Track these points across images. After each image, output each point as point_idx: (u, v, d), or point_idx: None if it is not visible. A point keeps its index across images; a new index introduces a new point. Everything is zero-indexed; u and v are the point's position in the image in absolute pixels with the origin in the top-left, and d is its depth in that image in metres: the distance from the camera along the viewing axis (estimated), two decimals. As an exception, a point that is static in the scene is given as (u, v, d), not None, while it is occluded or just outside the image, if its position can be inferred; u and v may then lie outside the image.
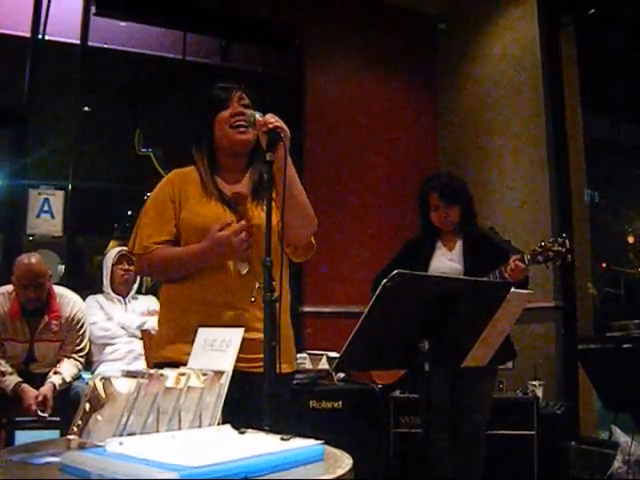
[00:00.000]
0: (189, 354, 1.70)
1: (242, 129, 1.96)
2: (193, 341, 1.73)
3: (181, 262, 1.91)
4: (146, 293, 4.00)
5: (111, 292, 3.77)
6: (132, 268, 3.74)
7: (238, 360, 1.36)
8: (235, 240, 1.82)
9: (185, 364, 1.47)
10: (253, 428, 1.27)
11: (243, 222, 1.85)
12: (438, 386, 2.89)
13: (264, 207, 1.95)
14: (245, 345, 1.41)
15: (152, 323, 3.61)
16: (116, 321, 3.68)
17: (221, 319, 1.82)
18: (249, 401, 1.50)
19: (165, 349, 1.91)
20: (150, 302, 3.83)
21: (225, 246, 1.83)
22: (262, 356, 1.54)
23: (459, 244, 3.09)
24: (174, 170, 2.09)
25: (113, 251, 3.83)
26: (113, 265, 3.77)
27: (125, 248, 3.81)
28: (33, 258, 3.33)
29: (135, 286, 3.83)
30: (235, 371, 1.33)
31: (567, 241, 2.75)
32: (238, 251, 1.84)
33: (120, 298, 3.77)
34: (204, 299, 1.89)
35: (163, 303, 2.03)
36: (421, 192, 3.17)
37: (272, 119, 1.81)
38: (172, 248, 1.94)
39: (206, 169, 2.00)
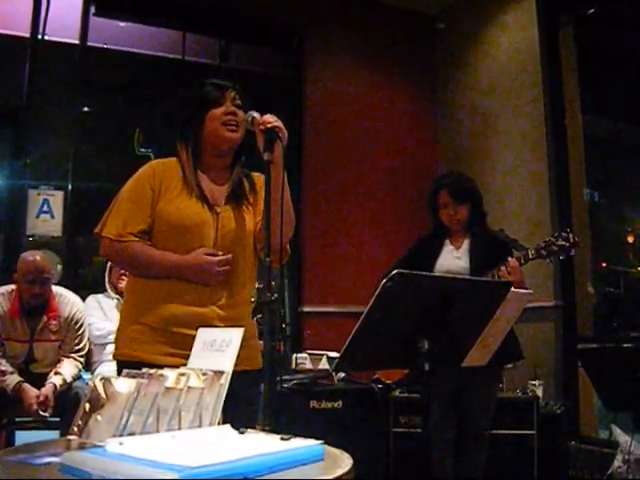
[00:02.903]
0: (156, 353, 1.73)
1: (233, 127, 1.96)
2: (159, 340, 1.80)
3: (154, 266, 1.90)
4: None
5: (111, 292, 3.78)
6: None
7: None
8: (216, 270, 1.87)
9: (152, 363, 1.47)
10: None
11: (229, 256, 1.89)
12: (443, 385, 2.90)
13: (240, 211, 1.97)
14: None
15: None
16: (115, 320, 3.69)
17: (188, 319, 1.83)
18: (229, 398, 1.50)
19: (129, 347, 1.88)
20: None
21: (205, 272, 1.87)
22: None
23: (466, 243, 3.09)
24: (156, 160, 2.08)
25: None
26: (111, 266, 3.78)
27: None
28: (37, 255, 3.36)
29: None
30: None
31: (571, 235, 2.76)
32: (214, 281, 1.88)
33: (120, 298, 3.78)
34: (171, 298, 1.88)
35: (128, 297, 2.01)
36: (431, 190, 3.17)
37: (270, 119, 1.82)
38: (149, 248, 1.92)
39: (189, 166, 1.98)
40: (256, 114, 1.88)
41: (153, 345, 1.84)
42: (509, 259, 2.82)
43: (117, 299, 3.77)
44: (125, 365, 1.56)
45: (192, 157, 1.99)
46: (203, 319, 1.82)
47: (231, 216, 1.96)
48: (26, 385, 3.21)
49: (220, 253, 1.89)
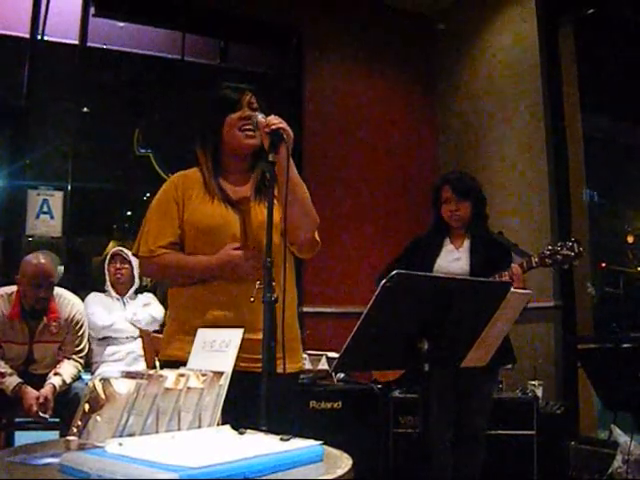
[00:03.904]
0: None
1: (250, 133, 1.96)
2: None
3: (187, 271, 1.94)
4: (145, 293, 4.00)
5: (112, 291, 3.78)
6: (125, 267, 3.78)
7: (244, 360, 1.36)
8: (244, 265, 1.87)
9: None
10: (259, 428, 1.26)
11: (255, 250, 1.88)
12: (441, 386, 2.90)
13: (266, 206, 1.96)
14: (250, 345, 1.41)
15: (145, 314, 3.65)
16: (115, 315, 3.70)
17: (228, 320, 1.83)
18: (256, 400, 1.50)
19: (170, 347, 1.93)
20: (147, 298, 3.86)
21: (233, 267, 1.87)
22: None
23: (467, 243, 3.08)
24: (178, 172, 2.09)
25: (110, 251, 3.88)
26: (108, 264, 3.79)
27: (120, 248, 3.84)
28: (43, 258, 3.32)
29: (134, 287, 3.84)
30: (241, 371, 1.33)
31: (576, 245, 2.74)
32: (245, 275, 1.87)
33: (119, 297, 3.79)
34: (210, 299, 1.90)
35: (171, 303, 2.05)
36: (435, 185, 3.18)
37: (275, 120, 1.83)
38: (179, 255, 1.96)
39: (210, 170, 2.00)
40: (261, 116, 1.89)
41: (190, 344, 1.84)
42: (512, 266, 2.81)
43: (117, 299, 3.78)
44: (166, 365, 1.58)
45: (212, 162, 2.01)
46: (244, 320, 1.80)
47: (257, 213, 1.96)
48: (26, 386, 3.20)
49: (251, 247, 1.89)
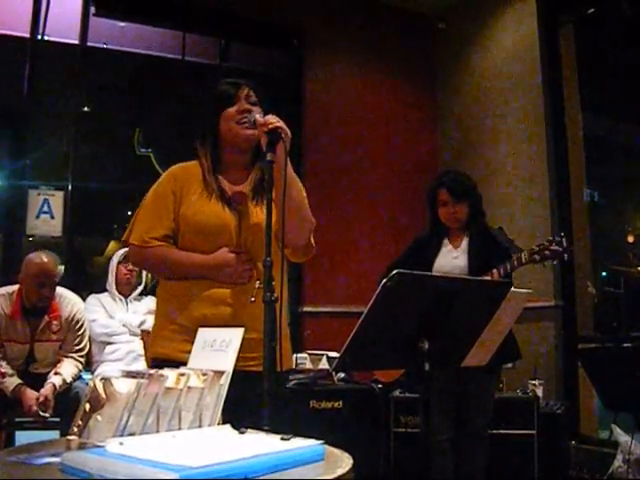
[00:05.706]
0: (185, 352, 1.71)
1: (247, 125, 1.96)
2: (189, 339, 1.75)
3: (179, 267, 1.93)
4: (147, 295, 4.00)
5: (115, 291, 3.77)
6: (136, 268, 3.75)
7: (237, 359, 1.36)
8: (239, 269, 1.87)
9: (181, 361, 1.47)
10: (252, 427, 1.26)
11: (249, 255, 1.89)
12: (441, 385, 2.90)
13: (263, 207, 1.96)
14: (244, 344, 1.41)
15: (152, 322, 3.63)
16: (117, 319, 3.69)
17: (218, 318, 1.83)
18: (248, 400, 1.51)
19: (161, 345, 1.92)
20: (151, 302, 3.84)
21: (228, 270, 1.87)
22: (260, 355, 1.55)
23: (465, 242, 3.09)
24: (178, 164, 2.08)
25: (120, 250, 3.84)
26: (118, 263, 3.77)
27: None
28: (46, 257, 3.33)
29: (139, 288, 3.83)
30: (234, 370, 1.33)
31: (564, 240, 2.76)
32: (238, 279, 1.88)
33: (122, 298, 3.78)
34: (201, 297, 1.89)
35: (160, 298, 2.03)
36: (431, 187, 3.17)
37: (272, 119, 1.82)
38: (172, 250, 1.94)
39: (209, 166, 1.99)
40: (259, 115, 1.88)
41: (183, 344, 1.82)
42: (493, 272, 2.85)
43: (120, 299, 3.77)
44: (157, 363, 1.58)
45: (211, 158, 2.00)
46: (234, 318, 1.81)
47: (253, 214, 1.95)
48: (25, 388, 3.20)
49: (244, 252, 1.89)
